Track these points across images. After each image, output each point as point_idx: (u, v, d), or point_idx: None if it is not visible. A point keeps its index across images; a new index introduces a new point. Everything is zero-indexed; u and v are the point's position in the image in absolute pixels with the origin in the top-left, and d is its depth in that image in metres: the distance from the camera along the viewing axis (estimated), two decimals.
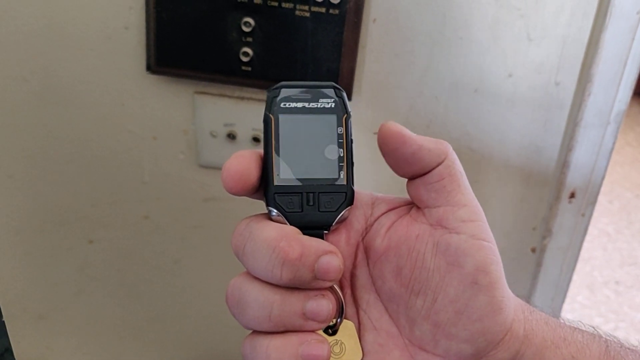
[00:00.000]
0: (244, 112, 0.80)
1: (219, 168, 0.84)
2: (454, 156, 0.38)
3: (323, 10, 0.71)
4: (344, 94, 0.39)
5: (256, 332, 0.37)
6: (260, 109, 0.79)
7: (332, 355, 0.38)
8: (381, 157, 0.39)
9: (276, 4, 0.71)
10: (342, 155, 0.38)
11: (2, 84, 0.80)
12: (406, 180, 0.40)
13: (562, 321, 0.40)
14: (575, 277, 2.80)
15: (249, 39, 0.74)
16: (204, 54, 0.75)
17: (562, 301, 0.86)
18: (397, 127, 0.37)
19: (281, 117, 0.38)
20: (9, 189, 0.87)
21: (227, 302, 0.38)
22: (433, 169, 0.37)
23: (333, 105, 0.39)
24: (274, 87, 0.39)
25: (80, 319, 0.97)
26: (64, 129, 0.83)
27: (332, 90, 0.39)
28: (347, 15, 0.71)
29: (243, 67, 0.75)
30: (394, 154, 0.37)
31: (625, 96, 0.71)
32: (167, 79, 0.79)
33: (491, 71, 0.74)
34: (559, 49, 0.72)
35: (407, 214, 0.39)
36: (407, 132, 0.37)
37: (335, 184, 0.38)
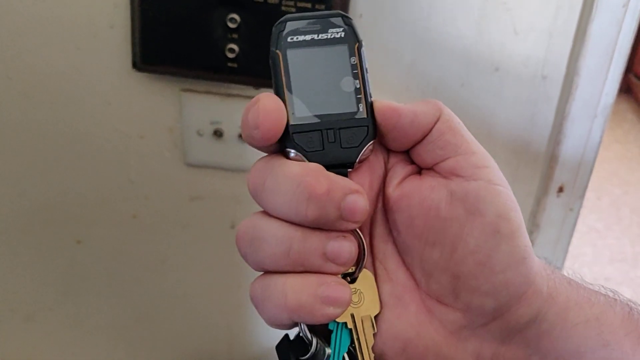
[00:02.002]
0: (231, 109, 0.79)
1: (205, 167, 0.84)
2: (448, 110, 0.36)
3: (309, 5, 0.71)
4: (353, 22, 0.37)
5: (269, 273, 0.35)
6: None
7: (350, 304, 0.35)
8: None
9: None
10: (358, 86, 0.36)
11: None
12: None
13: (582, 284, 0.38)
14: (564, 273, 2.83)
15: (235, 36, 0.73)
16: (190, 51, 0.75)
17: None
18: (385, 102, 0.36)
19: (289, 52, 0.35)
20: None
21: (237, 242, 0.36)
22: (432, 128, 0.36)
23: (343, 35, 0.36)
24: (279, 21, 0.36)
25: (68, 319, 0.97)
26: (50, 128, 0.82)
27: (340, 18, 0.36)
28: (333, 10, 0.71)
29: (229, 64, 0.75)
30: (393, 132, 0.36)
31: (612, 89, 0.71)
32: (153, 76, 0.78)
33: (477, 65, 0.74)
34: (545, 42, 0.72)
35: (419, 170, 0.38)
36: (397, 105, 0.36)
37: (355, 118, 0.35)
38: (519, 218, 0.35)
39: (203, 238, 0.89)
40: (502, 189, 0.35)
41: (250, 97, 0.78)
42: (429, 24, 0.73)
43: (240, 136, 0.80)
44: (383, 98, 0.79)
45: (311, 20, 0.36)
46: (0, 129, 0.82)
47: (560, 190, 0.77)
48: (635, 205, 3.16)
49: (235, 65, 0.74)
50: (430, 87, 0.76)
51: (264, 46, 0.76)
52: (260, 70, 0.75)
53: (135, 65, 0.76)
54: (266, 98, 0.34)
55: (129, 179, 0.85)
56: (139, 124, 0.82)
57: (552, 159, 0.76)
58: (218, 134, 0.81)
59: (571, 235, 0.81)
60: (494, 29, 0.72)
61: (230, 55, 0.74)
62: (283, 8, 0.71)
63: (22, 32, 0.76)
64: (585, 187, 0.78)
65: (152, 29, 0.74)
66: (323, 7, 0.71)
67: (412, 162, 0.38)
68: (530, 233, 0.81)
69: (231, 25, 0.72)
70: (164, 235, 0.90)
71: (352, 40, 0.36)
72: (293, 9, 0.71)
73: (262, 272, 0.36)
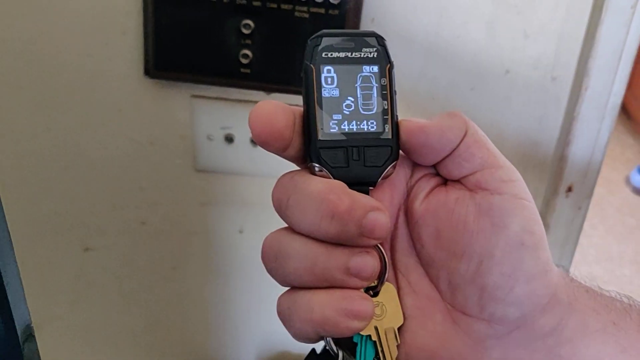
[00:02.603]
0: (242, 114, 0.80)
1: (215, 172, 0.84)
2: (472, 123, 0.37)
3: (322, 11, 0.72)
4: (386, 43, 0.37)
5: (294, 289, 0.36)
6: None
7: (374, 317, 0.37)
8: None
9: (275, 5, 0.72)
10: (386, 107, 0.37)
11: None
12: None
13: (599, 291, 0.40)
14: (581, 281, 2.85)
15: (248, 41, 0.74)
16: (203, 57, 0.75)
17: None
18: (413, 122, 0.37)
19: (323, 67, 0.36)
20: (4, 196, 0.85)
21: (263, 258, 0.37)
22: (459, 143, 0.36)
23: (376, 55, 0.37)
24: (315, 35, 0.37)
25: (77, 327, 0.96)
26: (61, 136, 0.82)
27: (375, 38, 0.37)
28: (347, 15, 0.72)
29: (242, 69, 0.75)
30: (422, 149, 0.37)
31: (621, 89, 0.72)
32: (165, 82, 0.78)
33: (488, 69, 0.75)
34: (555, 44, 0.73)
35: (446, 183, 0.39)
36: (423, 122, 0.37)
37: (380, 138, 0.36)
38: (542, 231, 0.36)
39: (213, 244, 0.90)
40: (527, 202, 0.36)
41: None
42: (439, 29, 0.74)
43: (251, 141, 0.81)
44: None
45: (346, 38, 0.37)
46: (12, 138, 0.82)
47: (569, 189, 0.78)
48: (619, 204, 3.20)
49: (248, 71, 0.75)
50: (440, 90, 0.77)
51: (277, 52, 0.77)
52: (272, 76, 0.76)
53: (148, 72, 0.77)
54: (261, 103, 0.35)
55: (139, 185, 0.85)
56: (150, 130, 0.82)
57: (561, 159, 0.77)
58: (229, 139, 0.81)
59: (579, 234, 0.83)
60: (505, 32, 0.73)
61: (244, 61, 0.74)
62: (297, 14, 0.72)
63: (33, 40, 0.76)
64: (593, 186, 0.79)
65: (165, 35, 0.74)
66: (337, 12, 0.71)
67: (438, 174, 0.39)
68: None
69: (245, 31, 0.73)
70: (174, 241, 0.90)
71: (384, 61, 0.37)
72: (306, 15, 0.72)
73: (288, 288, 0.38)
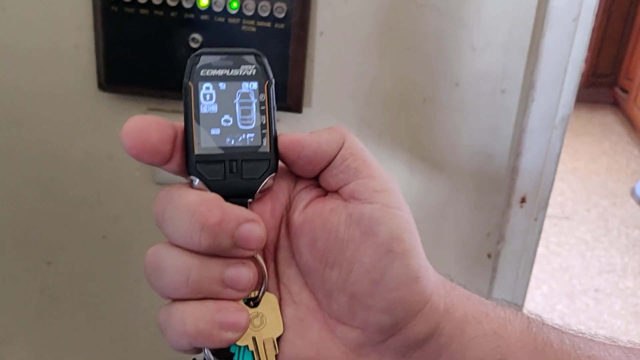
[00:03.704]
0: None
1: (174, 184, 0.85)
2: (351, 136, 0.38)
3: (269, 24, 0.72)
4: (265, 60, 0.38)
5: (173, 301, 0.36)
6: None
7: (251, 327, 0.37)
8: None
9: (223, 19, 0.72)
10: (264, 122, 0.37)
11: None
12: None
13: (483, 299, 0.40)
14: (554, 285, 2.80)
15: None
16: (155, 71, 0.76)
17: (522, 305, 0.87)
18: (290, 136, 0.38)
19: (201, 84, 0.37)
20: None
21: (145, 271, 0.37)
22: (335, 155, 0.37)
23: (254, 72, 0.38)
24: (194, 54, 0.38)
25: (43, 341, 0.97)
26: (18, 150, 0.82)
27: (253, 56, 0.38)
28: (292, 29, 0.72)
29: None
30: (298, 162, 0.38)
31: (569, 101, 0.72)
32: (120, 96, 0.79)
33: (438, 81, 0.76)
34: (502, 57, 0.73)
35: (325, 193, 0.39)
36: (300, 135, 0.37)
37: (258, 152, 0.37)
38: (414, 239, 0.37)
39: None
40: (398, 211, 0.37)
41: None
42: (389, 40, 0.74)
43: None
44: (347, 114, 0.81)
45: (224, 56, 0.38)
46: None
47: (523, 200, 0.78)
48: (623, 216, 3.18)
49: None
50: (393, 102, 0.77)
51: None
52: None
53: (101, 86, 0.77)
54: (133, 118, 0.36)
55: (98, 199, 0.86)
56: (107, 144, 0.82)
57: (513, 170, 0.77)
58: None
59: (537, 244, 0.82)
60: (453, 45, 0.73)
61: None
62: (244, 28, 0.72)
63: None
64: (548, 197, 0.79)
65: (116, 49, 0.75)
66: (282, 26, 0.72)
67: (319, 186, 0.39)
68: (497, 243, 0.82)
69: (193, 45, 0.73)
70: (135, 255, 0.90)
71: (263, 77, 0.38)
72: (253, 29, 0.72)
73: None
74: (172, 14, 0.72)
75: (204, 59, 0.37)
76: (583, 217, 3.13)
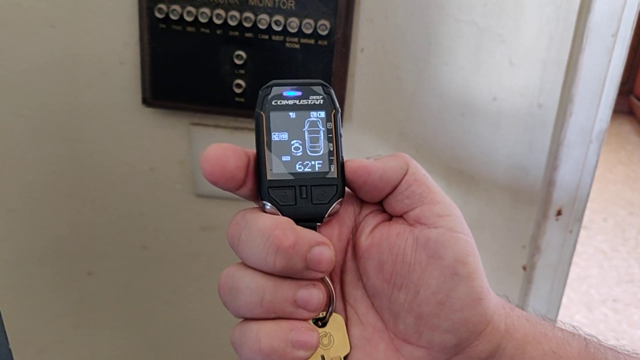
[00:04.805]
0: (239, 142, 0.82)
1: (215, 197, 0.86)
2: (414, 163, 0.40)
3: (312, 41, 0.74)
4: (332, 91, 0.41)
5: (246, 320, 0.39)
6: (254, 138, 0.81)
7: (320, 346, 0.39)
8: None
9: (267, 37, 0.74)
10: (332, 149, 0.40)
11: (0, 120, 0.82)
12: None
13: (542, 319, 0.42)
14: (573, 295, 2.79)
15: (242, 71, 0.76)
16: (199, 87, 0.78)
17: (556, 317, 0.88)
18: (356, 162, 0.40)
19: (272, 114, 0.40)
20: (9, 222, 0.89)
21: (219, 291, 0.39)
22: (400, 181, 0.39)
23: (322, 102, 0.40)
24: (266, 85, 0.40)
25: (80, 351, 0.98)
26: (62, 163, 0.84)
27: (321, 87, 0.40)
28: (335, 45, 0.74)
29: (236, 99, 0.77)
30: (364, 187, 0.40)
31: (606, 115, 0.73)
32: (163, 111, 0.81)
33: (476, 95, 0.77)
34: (539, 72, 0.75)
35: (390, 218, 0.41)
36: (367, 162, 0.40)
37: (326, 177, 0.39)
38: (477, 262, 0.39)
39: (214, 268, 0.91)
40: (462, 236, 0.38)
41: None
42: (428, 56, 0.76)
43: None
44: (385, 129, 0.82)
45: (294, 87, 0.40)
46: (15, 165, 0.85)
47: (559, 213, 0.79)
48: None
49: (242, 100, 0.77)
50: (431, 116, 0.79)
51: (269, 81, 0.79)
52: None
53: (145, 101, 0.79)
54: (213, 146, 0.38)
55: (139, 211, 0.88)
56: (150, 157, 0.84)
57: (549, 183, 0.78)
58: None
59: (572, 256, 0.83)
60: (491, 60, 0.75)
61: (238, 91, 0.77)
62: (287, 45, 0.74)
63: (34, 71, 0.79)
64: (584, 210, 0.80)
65: (161, 65, 0.77)
66: (325, 43, 0.73)
67: (384, 211, 0.42)
68: (532, 256, 0.83)
69: (238, 61, 0.75)
70: (175, 266, 0.92)
71: (330, 107, 0.40)
72: (297, 45, 0.74)
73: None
74: (218, 31, 0.74)
75: (275, 90, 0.40)
76: (600, 227, 3.12)
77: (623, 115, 4.41)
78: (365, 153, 0.82)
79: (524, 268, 0.85)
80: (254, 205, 0.41)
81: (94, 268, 0.92)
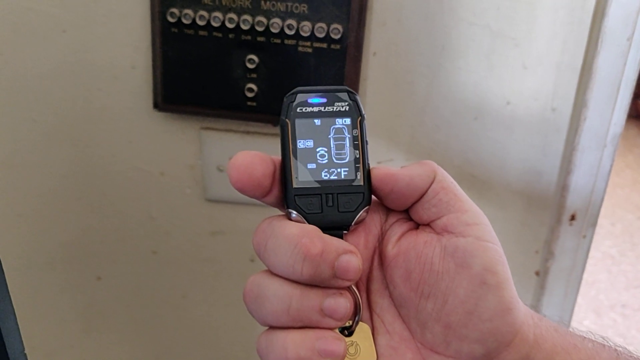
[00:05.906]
0: (250, 146, 0.82)
1: (225, 202, 0.86)
2: (441, 170, 0.39)
3: (325, 45, 0.74)
4: (358, 97, 0.40)
5: (272, 328, 0.38)
6: (266, 142, 0.81)
7: (347, 355, 0.38)
8: None
9: (279, 40, 0.74)
10: (358, 156, 0.39)
11: (11, 125, 0.82)
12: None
13: (571, 330, 0.41)
14: (581, 301, 2.78)
15: (254, 75, 0.76)
16: (210, 91, 0.77)
17: (569, 323, 0.87)
18: (383, 169, 0.39)
19: (297, 121, 0.39)
20: (19, 227, 0.88)
21: (244, 299, 0.39)
22: (427, 189, 0.39)
23: (347, 109, 0.39)
24: (291, 92, 0.40)
25: (89, 356, 0.98)
26: (72, 167, 0.84)
27: (346, 93, 0.40)
28: (348, 49, 0.73)
29: (248, 103, 0.77)
30: (391, 195, 0.39)
31: (620, 119, 0.73)
32: (174, 115, 0.81)
33: (489, 99, 0.76)
34: (553, 76, 0.74)
35: (416, 226, 0.41)
36: (393, 169, 0.39)
37: (353, 185, 0.39)
38: (506, 272, 0.38)
39: (224, 272, 0.91)
40: (491, 245, 0.38)
41: (269, 135, 0.80)
42: (441, 60, 0.75)
43: None
44: (398, 133, 0.82)
45: (319, 94, 0.40)
46: (25, 170, 0.84)
47: (573, 218, 0.78)
48: None
49: (254, 104, 0.77)
50: (443, 121, 0.78)
51: (281, 86, 0.79)
52: (277, 109, 0.76)
53: (157, 105, 0.79)
54: (240, 153, 0.38)
55: (149, 215, 0.87)
56: (160, 161, 0.84)
57: (563, 188, 0.77)
58: None
59: (585, 262, 0.83)
60: (504, 64, 0.74)
61: (249, 95, 0.76)
62: (300, 49, 0.74)
63: (46, 75, 0.79)
64: (598, 214, 0.79)
65: (172, 70, 0.77)
66: (338, 47, 0.73)
67: (411, 219, 0.41)
68: (545, 261, 0.83)
69: (250, 65, 0.75)
70: (185, 270, 0.91)
71: (355, 113, 0.40)
72: (309, 49, 0.74)
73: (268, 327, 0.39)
74: (230, 35, 0.74)
75: (300, 97, 0.39)
76: (608, 231, 3.11)
77: (631, 119, 4.39)
78: (377, 157, 0.81)
79: (537, 273, 0.84)
80: (279, 212, 0.40)
81: (104, 273, 0.92)
